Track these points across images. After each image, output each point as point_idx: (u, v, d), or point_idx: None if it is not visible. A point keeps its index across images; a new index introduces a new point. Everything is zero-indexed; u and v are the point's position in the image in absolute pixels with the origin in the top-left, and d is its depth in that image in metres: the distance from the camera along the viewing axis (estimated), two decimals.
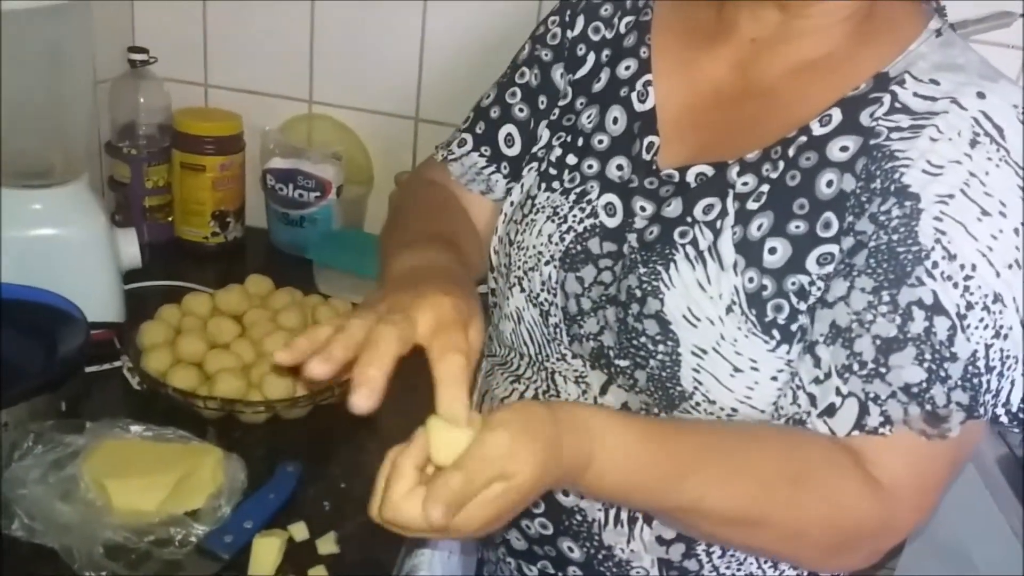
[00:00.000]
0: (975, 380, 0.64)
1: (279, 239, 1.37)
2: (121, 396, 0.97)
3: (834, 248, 0.68)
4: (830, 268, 0.68)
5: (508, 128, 0.90)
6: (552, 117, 0.87)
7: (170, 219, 1.34)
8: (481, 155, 0.91)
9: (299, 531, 0.79)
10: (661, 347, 0.73)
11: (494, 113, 0.91)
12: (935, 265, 0.64)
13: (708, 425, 0.69)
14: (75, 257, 1.00)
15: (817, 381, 0.67)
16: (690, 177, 0.75)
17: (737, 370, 0.71)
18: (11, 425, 0.80)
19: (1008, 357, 0.65)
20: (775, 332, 0.69)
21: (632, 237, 0.76)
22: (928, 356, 0.64)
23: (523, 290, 0.82)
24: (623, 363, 0.76)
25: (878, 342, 0.65)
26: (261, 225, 1.40)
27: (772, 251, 0.70)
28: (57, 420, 0.83)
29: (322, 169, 1.30)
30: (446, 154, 0.94)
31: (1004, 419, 0.67)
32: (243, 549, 0.75)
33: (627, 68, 0.83)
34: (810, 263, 0.69)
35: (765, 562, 0.78)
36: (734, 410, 0.72)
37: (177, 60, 1.36)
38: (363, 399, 0.54)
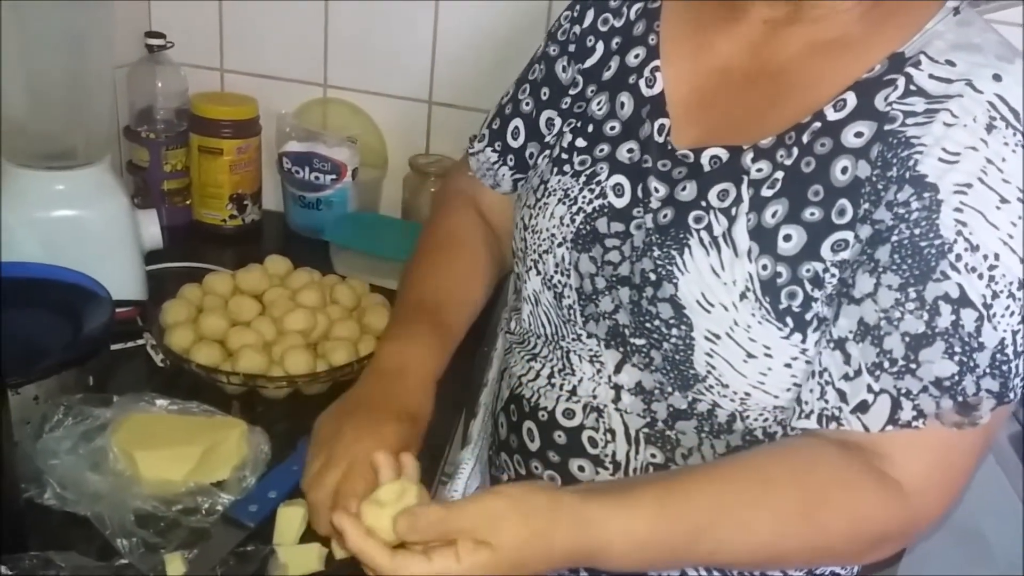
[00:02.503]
0: (1004, 367, 0.65)
1: (295, 222, 1.38)
2: (145, 373, 0.98)
3: (849, 235, 0.68)
4: (845, 255, 0.68)
5: (516, 122, 0.92)
6: (563, 106, 0.88)
7: (188, 202, 1.36)
8: (494, 150, 0.94)
9: None
10: (675, 331, 0.74)
11: (508, 109, 0.94)
12: (959, 258, 0.64)
13: (718, 474, 0.69)
14: (98, 237, 1.02)
15: (847, 378, 0.67)
16: (704, 160, 0.75)
17: (751, 356, 0.71)
18: (42, 398, 0.82)
19: None
20: (789, 319, 0.70)
21: (648, 218, 0.77)
22: (957, 349, 0.64)
23: (539, 273, 0.84)
24: (639, 341, 0.77)
25: (907, 339, 0.65)
26: (277, 208, 1.42)
27: (787, 238, 0.70)
28: (85, 394, 0.84)
29: (337, 152, 1.32)
30: (469, 149, 0.98)
31: None
32: (268, 518, 0.77)
33: (636, 56, 0.83)
34: (824, 250, 0.69)
35: None
36: (747, 394, 0.73)
37: (193, 45, 1.38)
38: None
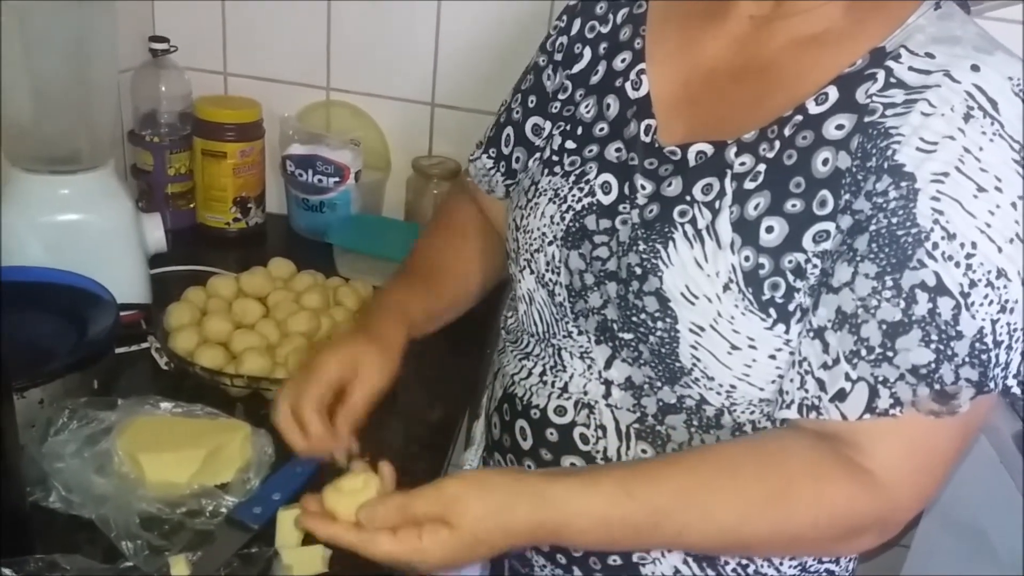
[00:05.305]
0: (983, 356, 0.65)
1: (299, 224, 1.39)
2: (150, 376, 0.99)
3: (830, 226, 0.68)
4: (826, 245, 0.68)
5: (508, 129, 0.94)
6: (552, 111, 0.89)
7: (192, 206, 1.37)
8: (489, 157, 0.96)
9: None
10: (660, 324, 0.74)
11: (503, 117, 0.95)
12: (935, 246, 0.64)
13: (685, 461, 0.71)
14: (102, 240, 1.03)
15: (826, 367, 0.68)
16: (690, 155, 0.75)
17: (735, 348, 0.72)
18: (47, 402, 0.83)
19: (1016, 330, 0.66)
20: (772, 310, 0.70)
21: (634, 214, 0.77)
22: (934, 337, 0.64)
23: (532, 272, 0.84)
24: (626, 336, 0.77)
25: (884, 327, 0.65)
26: (281, 211, 1.42)
27: (769, 230, 0.70)
28: (90, 397, 0.85)
29: (340, 155, 1.32)
30: (471, 156, 0.99)
31: (1016, 390, 0.67)
32: (272, 520, 0.77)
33: (622, 60, 0.84)
34: (806, 241, 0.69)
35: None
36: (732, 387, 0.73)
37: (197, 49, 1.39)
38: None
